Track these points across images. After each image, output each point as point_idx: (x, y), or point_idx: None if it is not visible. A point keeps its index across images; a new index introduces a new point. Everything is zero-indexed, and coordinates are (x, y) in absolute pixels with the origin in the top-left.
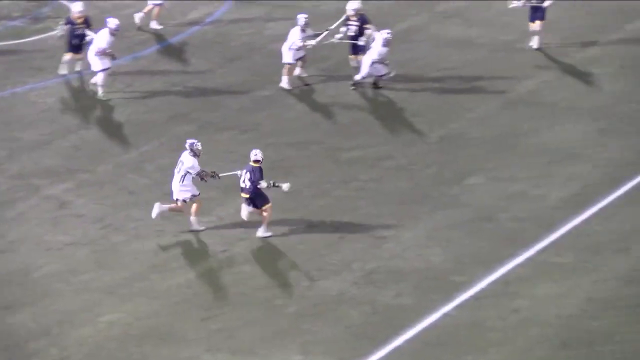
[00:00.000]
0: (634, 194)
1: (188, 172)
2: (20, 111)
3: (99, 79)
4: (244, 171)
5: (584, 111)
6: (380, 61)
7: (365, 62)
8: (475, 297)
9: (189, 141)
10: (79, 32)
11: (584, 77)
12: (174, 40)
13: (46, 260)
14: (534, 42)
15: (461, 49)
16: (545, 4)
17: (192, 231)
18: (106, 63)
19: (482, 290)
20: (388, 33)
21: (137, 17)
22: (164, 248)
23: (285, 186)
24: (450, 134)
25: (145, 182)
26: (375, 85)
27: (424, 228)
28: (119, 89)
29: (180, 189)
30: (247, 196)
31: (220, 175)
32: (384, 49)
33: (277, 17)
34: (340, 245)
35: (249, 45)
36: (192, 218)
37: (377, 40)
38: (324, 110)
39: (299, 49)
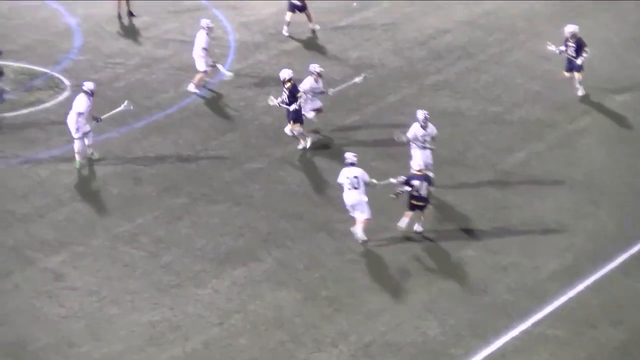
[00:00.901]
0: (628, 265)
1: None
2: (13, 184)
3: (76, 146)
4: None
5: (575, 182)
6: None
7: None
8: None
9: None
10: None
11: (574, 147)
12: (167, 112)
13: (42, 332)
14: (579, 91)
15: (451, 120)
16: (579, 60)
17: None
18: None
19: None
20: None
21: (192, 86)
22: (160, 320)
23: None
24: (443, 206)
25: (141, 255)
26: None
27: (420, 300)
28: (111, 161)
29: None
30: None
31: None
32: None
33: (268, 90)
34: (336, 318)
35: (240, 117)
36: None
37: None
38: (316, 182)
39: (320, 92)
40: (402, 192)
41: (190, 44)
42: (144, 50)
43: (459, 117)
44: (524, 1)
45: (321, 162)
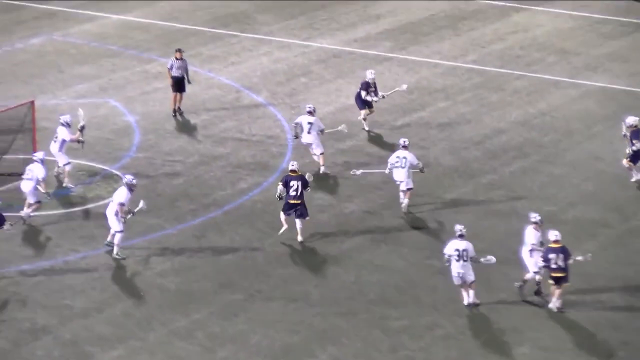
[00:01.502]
0: None
1: None
2: (71, 279)
3: (117, 239)
4: None
5: (629, 280)
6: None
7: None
8: None
9: None
10: None
11: (628, 247)
12: (223, 209)
13: None
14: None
15: (506, 219)
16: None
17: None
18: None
19: None
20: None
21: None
22: None
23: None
24: (494, 305)
25: (196, 350)
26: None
27: None
28: (168, 257)
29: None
30: None
31: None
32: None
33: (327, 189)
34: None
35: None
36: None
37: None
38: (371, 279)
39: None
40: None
41: (247, 142)
42: (202, 148)
43: (514, 216)
44: (579, 102)
45: (376, 258)
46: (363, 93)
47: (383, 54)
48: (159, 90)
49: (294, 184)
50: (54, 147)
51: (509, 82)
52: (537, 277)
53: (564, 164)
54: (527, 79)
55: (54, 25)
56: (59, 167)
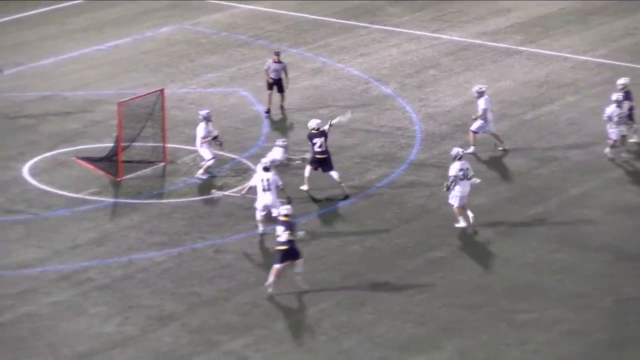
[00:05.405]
0: None
1: None
2: (199, 267)
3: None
4: None
5: None
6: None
7: None
8: None
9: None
10: None
11: None
12: (350, 200)
13: None
14: None
15: (635, 215)
16: None
17: None
18: None
19: None
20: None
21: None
22: None
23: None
24: (623, 300)
25: (323, 339)
26: None
27: None
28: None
29: None
30: None
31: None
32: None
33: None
34: None
35: (423, 207)
36: None
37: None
38: (497, 272)
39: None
40: None
41: (376, 133)
42: (331, 139)
43: None
44: None
45: (503, 252)
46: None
47: (513, 47)
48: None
49: (317, 140)
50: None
51: None
52: None
53: None
54: None
55: (184, 15)
56: (205, 160)
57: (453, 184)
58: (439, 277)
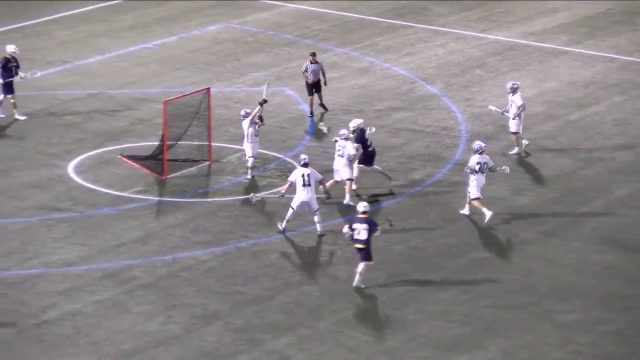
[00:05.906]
0: None
1: None
2: (243, 265)
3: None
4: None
5: None
6: None
7: None
8: None
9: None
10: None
11: None
12: (396, 199)
13: None
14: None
15: None
16: None
17: None
18: None
19: None
20: None
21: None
22: None
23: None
24: None
25: (366, 339)
26: None
27: None
28: (339, 246)
29: None
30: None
31: None
32: None
33: (496, 181)
34: None
35: None
36: None
37: None
38: (540, 272)
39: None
40: None
41: (421, 132)
42: (376, 138)
43: None
44: None
45: (546, 252)
46: None
47: (559, 47)
48: (334, 80)
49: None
50: (245, 140)
51: None
52: None
53: None
54: None
55: (231, 13)
56: (248, 157)
57: (469, 174)
58: (483, 277)
